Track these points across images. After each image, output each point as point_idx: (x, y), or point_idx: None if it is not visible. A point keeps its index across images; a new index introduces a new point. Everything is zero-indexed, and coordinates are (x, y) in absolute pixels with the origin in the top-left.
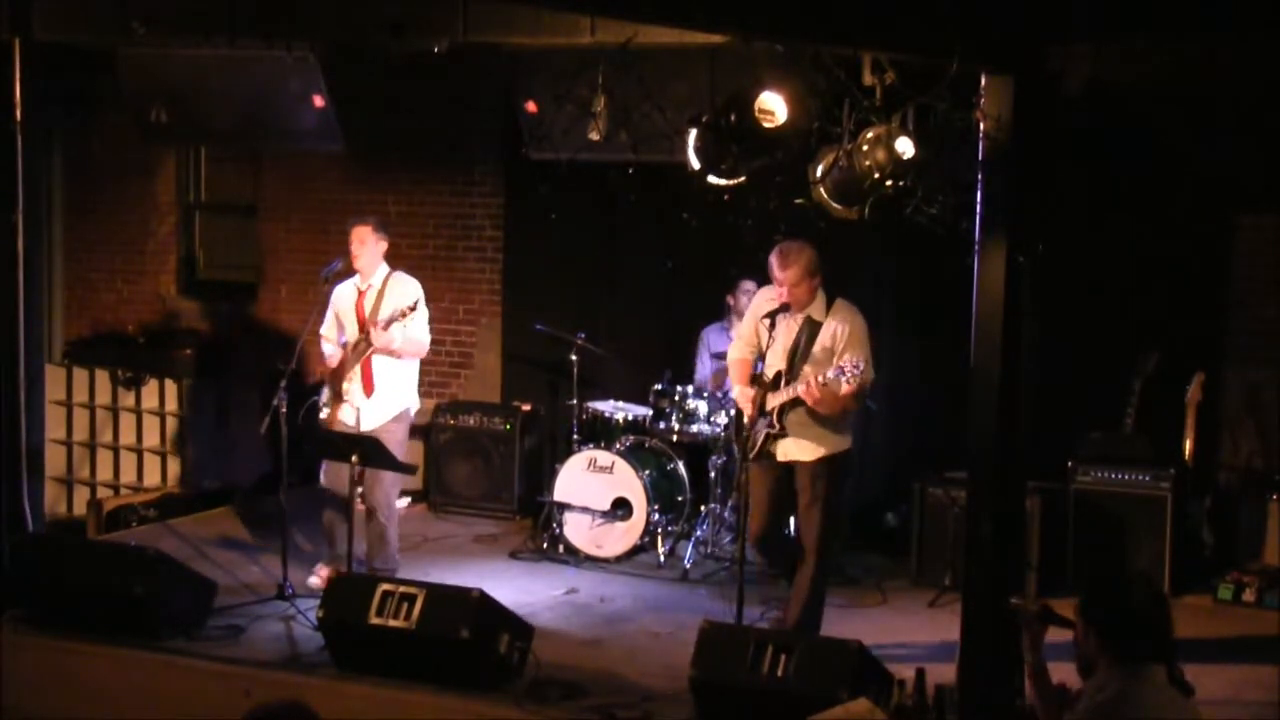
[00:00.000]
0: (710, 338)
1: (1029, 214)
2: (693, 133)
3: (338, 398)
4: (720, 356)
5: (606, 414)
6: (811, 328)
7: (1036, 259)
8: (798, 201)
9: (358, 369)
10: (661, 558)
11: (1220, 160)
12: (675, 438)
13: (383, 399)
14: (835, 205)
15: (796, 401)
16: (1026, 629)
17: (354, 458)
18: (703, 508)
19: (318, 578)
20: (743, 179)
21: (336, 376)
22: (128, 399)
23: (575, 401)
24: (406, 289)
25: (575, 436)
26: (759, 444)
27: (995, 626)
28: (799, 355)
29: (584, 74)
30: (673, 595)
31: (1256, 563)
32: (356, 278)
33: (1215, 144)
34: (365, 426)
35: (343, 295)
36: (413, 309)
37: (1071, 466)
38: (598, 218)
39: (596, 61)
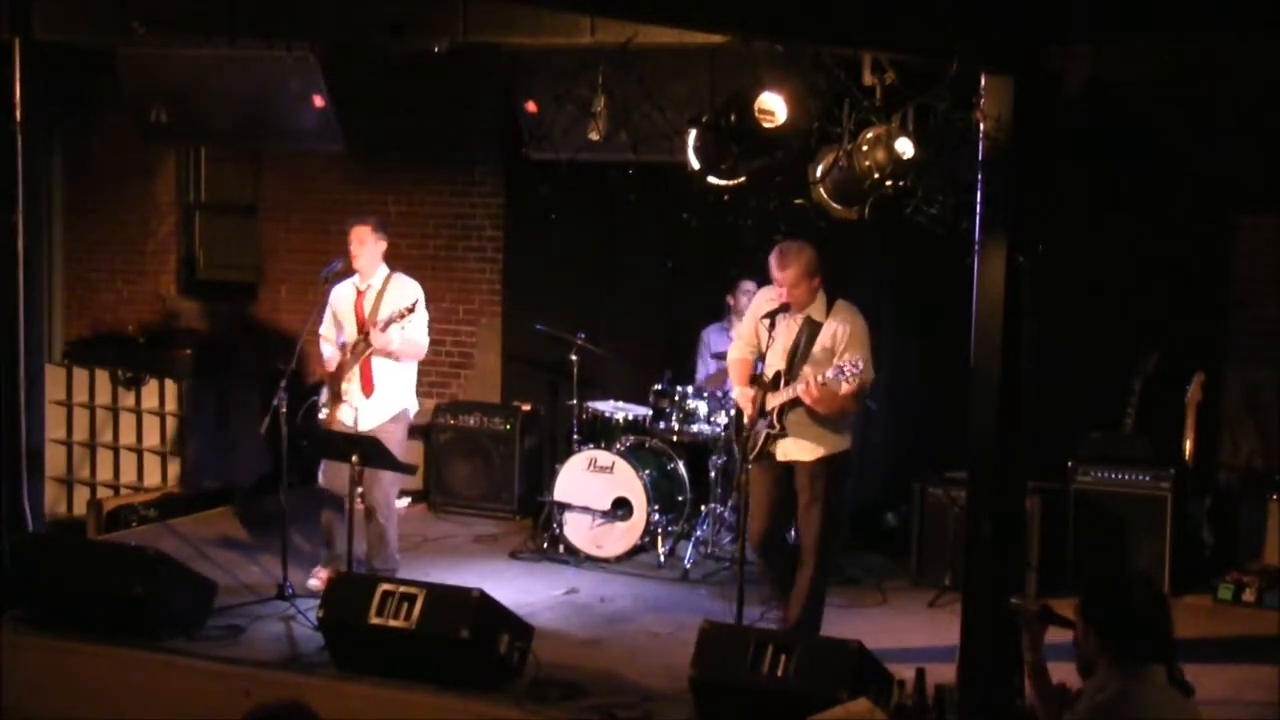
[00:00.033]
0: (710, 338)
1: (1029, 214)
2: (693, 133)
3: (337, 398)
4: (720, 357)
5: (606, 414)
6: (811, 328)
7: (1036, 259)
8: (798, 201)
9: (356, 370)
10: (661, 558)
11: (1220, 160)
12: (675, 438)
13: (381, 399)
14: (835, 205)
15: (796, 402)
16: (1026, 629)
17: (354, 458)
18: (703, 508)
19: (317, 580)
20: (743, 179)
21: (335, 377)
22: (128, 399)
23: (575, 401)
24: (406, 290)
25: (575, 436)
26: (759, 445)
27: (995, 626)
28: (799, 355)
29: (584, 74)
30: (673, 595)
31: (1256, 563)
32: (356, 277)
33: (1215, 144)
34: (363, 426)
35: (341, 295)
36: (411, 310)
37: (1071, 466)
38: (598, 218)
39: (596, 61)
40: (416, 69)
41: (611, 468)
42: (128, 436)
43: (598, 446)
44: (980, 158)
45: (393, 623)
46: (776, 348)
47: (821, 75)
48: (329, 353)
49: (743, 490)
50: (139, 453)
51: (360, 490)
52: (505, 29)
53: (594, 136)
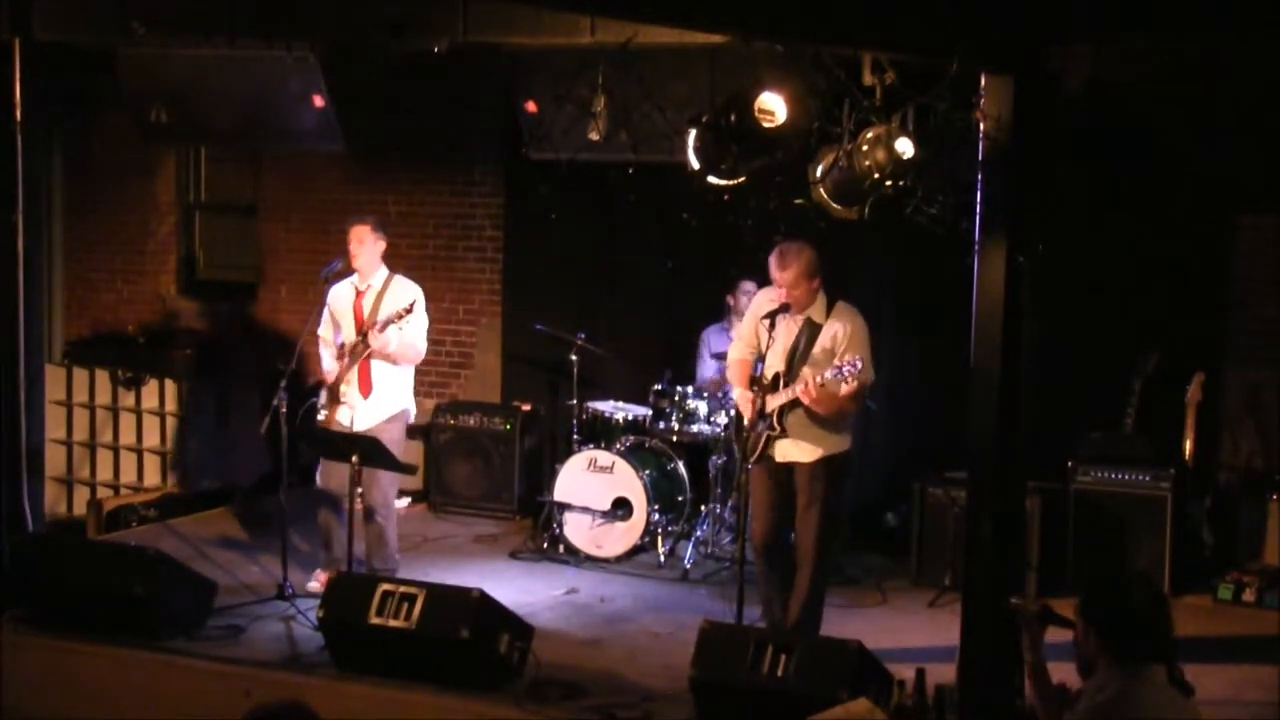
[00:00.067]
0: (711, 338)
1: (1029, 214)
2: (693, 133)
3: (335, 400)
4: (720, 357)
5: (606, 414)
6: (811, 329)
7: (1036, 259)
8: (798, 201)
9: (355, 371)
10: (661, 558)
11: (1220, 160)
12: (675, 438)
13: (379, 400)
14: (835, 205)
15: (796, 403)
16: (1026, 629)
17: (354, 458)
18: (703, 508)
19: (316, 582)
20: (743, 179)
21: (334, 380)
22: (128, 399)
23: (575, 401)
24: (406, 292)
25: (575, 436)
26: (759, 447)
27: (995, 626)
28: (798, 357)
29: (584, 74)
30: (673, 595)
31: (1256, 563)
32: (355, 277)
33: (1215, 144)
34: (359, 427)
35: (340, 294)
36: (409, 310)
37: (1071, 466)
38: (598, 218)
39: (596, 61)
40: (416, 69)
41: (611, 468)
42: (128, 436)
43: (598, 446)
44: (980, 158)
45: (393, 623)
46: (776, 348)
47: (821, 75)
48: (328, 364)
49: (743, 491)
50: (139, 453)
51: (359, 490)
52: (505, 29)
53: (594, 136)
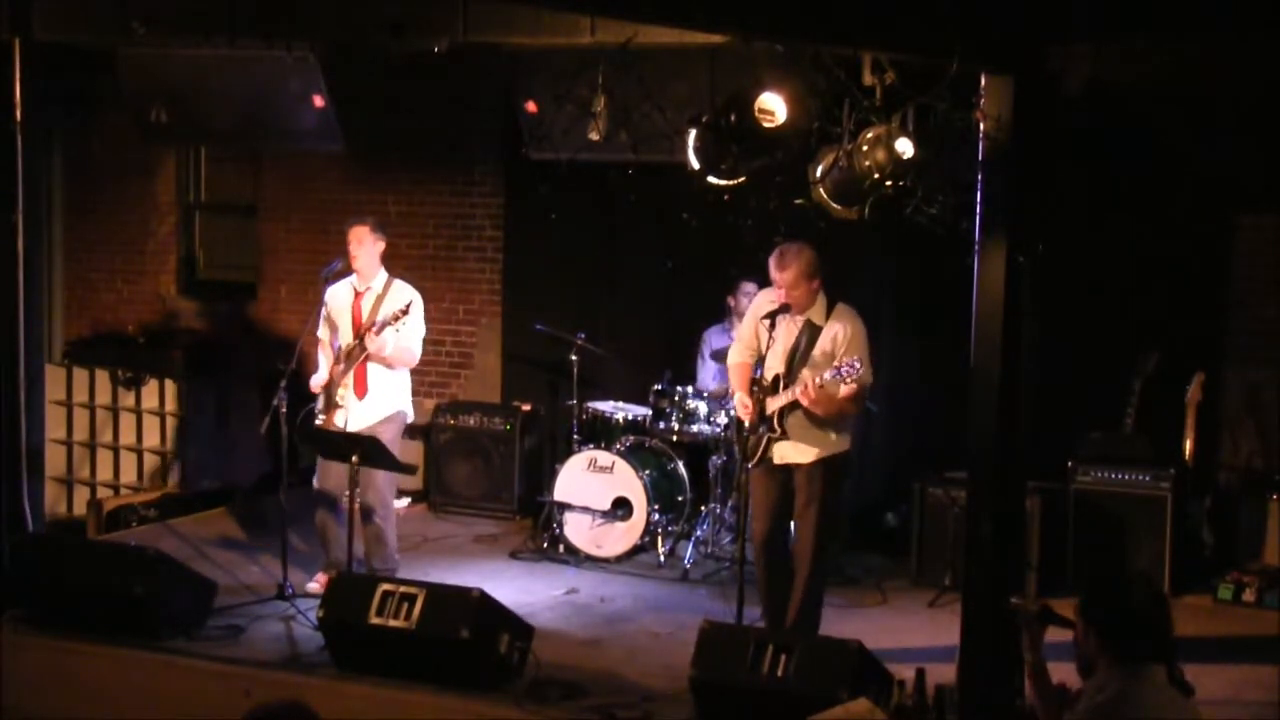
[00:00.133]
0: (712, 339)
1: (1029, 214)
2: (693, 133)
3: (331, 404)
4: (718, 355)
5: (606, 414)
6: (811, 331)
7: (1036, 259)
8: (798, 201)
9: (351, 373)
10: (661, 558)
11: (1220, 160)
12: (675, 438)
13: (373, 401)
14: (835, 205)
15: (796, 404)
16: (1026, 629)
17: (354, 458)
18: (703, 508)
19: (316, 583)
20: (743, 179)
21: (330, 383)
22: (128, 399)
23: (575, 401)
24: (404, 296)
25: (575, 436)
26: (760, 449)
27: (995, 626)
28: (798, 358)
29: (584, 74)
30: (673, 595)
31: (1256, 563)
32: (353, 278)
33: (1215, 144)
34: (353, 428)
35: (338, 295)
36: (405, 312)
37: (1071, 466)
38: (598, 218)
39: (596, 61)
40: (416, 69)
41: (611, 468)
42: (128, 436)
43: (598, 446)
44: (980, 158)
45: (393, 623)
46: (776, 349)
47: (821, 75)
48: (321, 374)
49: (743, 491)
50: (139, 453)
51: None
52: (505, 29)
53: (594, 136)
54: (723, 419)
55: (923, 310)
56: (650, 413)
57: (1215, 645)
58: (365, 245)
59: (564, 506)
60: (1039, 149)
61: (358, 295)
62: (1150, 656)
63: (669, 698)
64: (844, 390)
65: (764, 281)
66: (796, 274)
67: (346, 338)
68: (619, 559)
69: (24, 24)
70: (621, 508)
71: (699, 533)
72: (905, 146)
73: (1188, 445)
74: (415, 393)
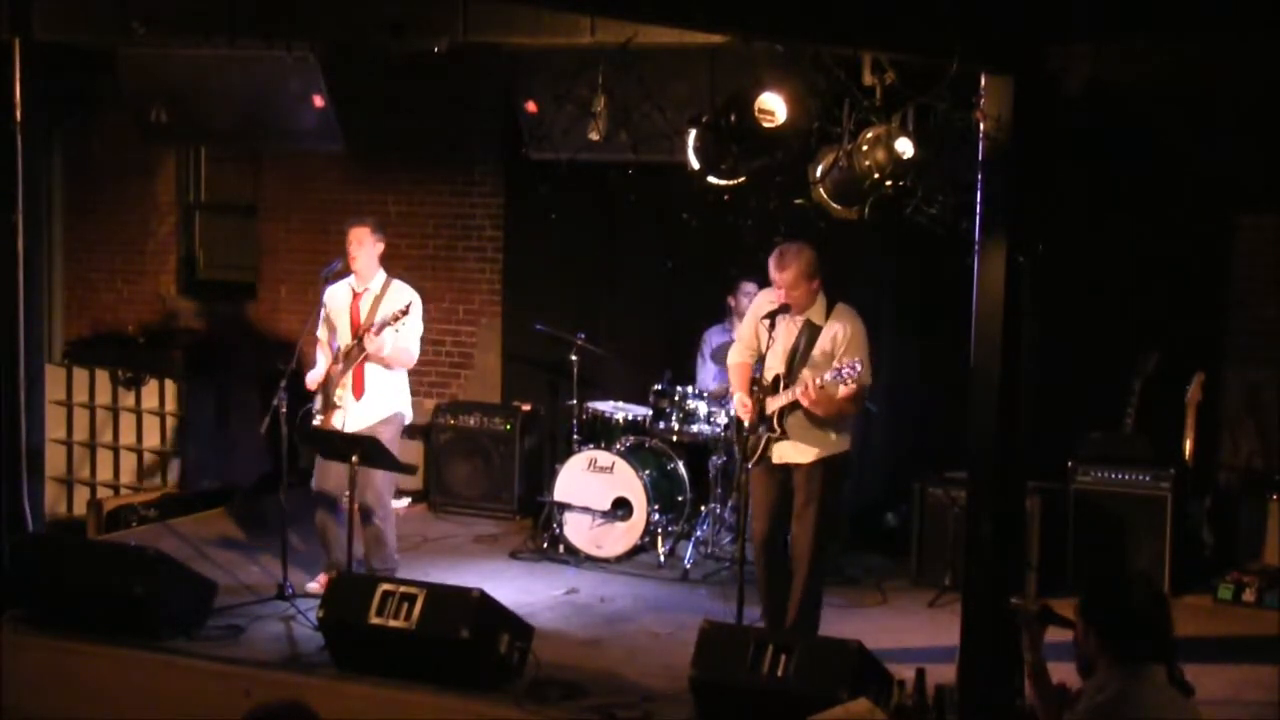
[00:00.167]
0: (712, 339)
1: (1029, 214)
2: (693, 133)
3: (329, 404)
4: (716, 355)
5: (606, 414)
6: (811, 331)
7: (1036, 259)
8: (798, 201)
9: (349, 374)
10: (661, 558)
11: (1220, 160)
12: (675, 438)
13: (371, 402)
14: (835, 205)
15: (796, 404)
16: (1026, 629)
17: (354, 458)
18: (703, 508)
19: (316, 583)
20: (743, 179)
21: (328, 384)
22: (128, 399)
23: (575, 401)
24: (403, 296)
25: (575, 436)
26: (760, 449)
27: (995, 626)
28: (798, 358)
29: (584, 74)
30: (673, 595)
31: (1256, 563)
32: (352, 279)
33: (1215, 144)
34: (350, 428)
35: (336, 295)
36: (405, 313)
37: (1071, 466)
38: (598, 218)
39: (596, 61)
40: (416, 69)
41: (611, 468)
42: (128, 436)
43: (598, 446)
44: (980, 158)
45: (393, 623)
46: (776, 349)
47: (821, 75)
48: (317, 372)
49: (743, 491)
50: (139, 453)
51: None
52: (505, 29)
53: (594, 136)
54: (723, 419)
55: (923, 310)
56: (650, 413)
57: (1215, 645)
58: (365, 246)
59: (564, 506)
60: (1039, 149)
61: (356, 296)
62: (1150, 656)
63: (669, 698)
64: (843, 391)
65: (764, 281)
66: (796, 274)
67: (345, 338)
68: (619, 559)
69: (24, 24)
70: (621, 508)
71: (699, 533)
72: (905, 146)
73: (1188, 445)
74: (415, 393)
